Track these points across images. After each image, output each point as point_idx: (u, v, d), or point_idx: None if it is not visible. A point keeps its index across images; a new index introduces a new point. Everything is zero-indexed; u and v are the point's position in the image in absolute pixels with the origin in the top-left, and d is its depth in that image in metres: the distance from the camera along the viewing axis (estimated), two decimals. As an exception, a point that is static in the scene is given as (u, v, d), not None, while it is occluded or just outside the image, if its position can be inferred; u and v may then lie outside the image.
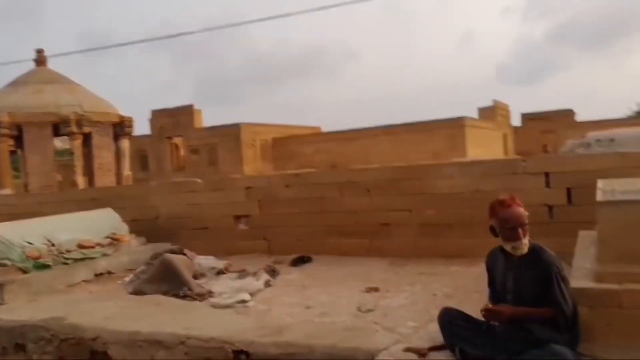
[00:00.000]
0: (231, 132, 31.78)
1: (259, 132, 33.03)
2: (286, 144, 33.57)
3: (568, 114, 35.59)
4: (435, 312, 4.29)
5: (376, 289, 5.34)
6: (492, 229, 3.31)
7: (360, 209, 7.08)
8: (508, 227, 3.18)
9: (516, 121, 35.58)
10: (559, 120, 34.32)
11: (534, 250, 3.20)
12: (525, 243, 3.18)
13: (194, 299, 5.34)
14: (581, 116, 34.72)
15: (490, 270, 3.49)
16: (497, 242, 5.95)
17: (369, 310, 4.65)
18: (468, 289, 5.06)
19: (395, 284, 5.48)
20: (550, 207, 5.95)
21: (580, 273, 3.64)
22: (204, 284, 5.88)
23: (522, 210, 3.21)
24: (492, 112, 31.88)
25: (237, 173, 23.66)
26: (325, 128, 36.63)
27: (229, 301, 5.17)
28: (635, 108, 37.39)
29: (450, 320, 3.46)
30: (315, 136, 34.83)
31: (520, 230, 3.17)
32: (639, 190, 3.83)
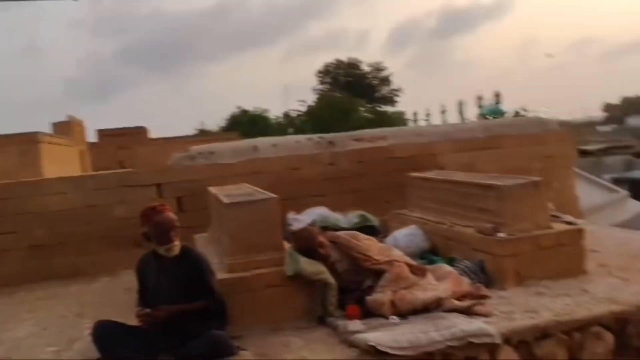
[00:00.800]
0: None
1: None
2: None
3: (141, 130, 37.18)
4: (73, 332, 4.17)
5: (-11, 324, 4.67)
6: (146, 235, 3.45)
7: (-55, 238, 5.97)
8: (162, 231, 3.40)
9: (92, 137, 35.10)
10: (133, 137, 35.48)
11: (185, 250, 3.51)
12: (177, 244, 3.45)
13: None
14: (153, 133, 36.81)
15: (141, 276, 3.61)
16: (118, 255, 6.05)
17: (-9, 348, 4.07)
18: (98, 304, 4.99)
19: (13, 315, 4.90)
20: (163, 216, 6.34)
21: (215, 268, 4.14)
22: None
23: (173, 215, 3.49)
24: (68, 128, 30.53)
25: None
26: None
27: None
28: (199, 127, 42.04)
29: (106, 332, 3.42)
30: None
31: (172, 233, 3.43)
32: (252, 193, 4.60)
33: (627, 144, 32.18)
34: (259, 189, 4.86)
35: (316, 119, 35.09)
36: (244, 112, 39.25)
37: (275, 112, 42.02)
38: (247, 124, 35.44)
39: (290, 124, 39.04)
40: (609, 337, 3.65)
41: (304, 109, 40.05)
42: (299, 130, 33.95)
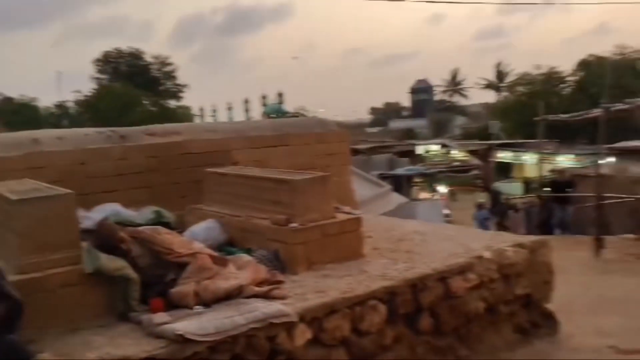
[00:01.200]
0: None
1: None
2: None
3: None
4: None
5: None
6: None
7: None
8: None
9: None
10: None
11: (-32, 252, 3.20)
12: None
13: None
14: None
15: None
16: None
17: None
18: None
19: None
20: None
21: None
22: None
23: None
24: None
25: None
26: None
27: None
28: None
29: None
30: None
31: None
32: (39, 189, 4.31)
33: (390, 144, 36.53)
34: (46, 185, 4.58)
35: (95, 111, 32.80)
36: (8, 100, 34.88)
37: (46, 101, 38.18)
38: (12, 113, 31.57)
39: (64, 115, 35.85)
40: (383, 308, 4.31)
41: (80, 99, 37.06)
42: (75, 123, 31.37)
